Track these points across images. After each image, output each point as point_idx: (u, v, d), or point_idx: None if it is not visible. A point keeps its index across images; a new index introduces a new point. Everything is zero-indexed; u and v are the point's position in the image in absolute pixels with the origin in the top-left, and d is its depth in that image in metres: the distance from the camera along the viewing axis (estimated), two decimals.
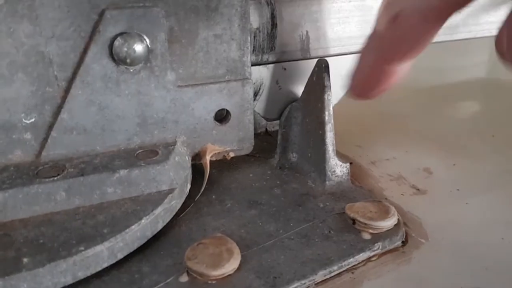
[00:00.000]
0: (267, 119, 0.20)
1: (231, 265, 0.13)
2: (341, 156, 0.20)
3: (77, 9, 0.14)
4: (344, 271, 0.14)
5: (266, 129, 0.20)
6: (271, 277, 0.13)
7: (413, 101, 0.27)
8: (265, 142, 0.20)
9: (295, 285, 0.13)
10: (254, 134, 0.18)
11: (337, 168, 0.18)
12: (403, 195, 0.18)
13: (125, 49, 0.15)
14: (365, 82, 0.14)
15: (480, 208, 0.17)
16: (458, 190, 0.18)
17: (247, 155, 0.18)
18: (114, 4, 0.14)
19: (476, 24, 0.25)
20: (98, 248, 0.13)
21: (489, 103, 0.28)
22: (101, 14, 0.14)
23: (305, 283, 0.13)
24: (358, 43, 0.18)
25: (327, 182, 0.17)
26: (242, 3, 0.16)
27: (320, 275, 0.13)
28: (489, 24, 0.25)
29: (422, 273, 0.14)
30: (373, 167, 0.20)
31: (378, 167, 0.20)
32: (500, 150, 0.22)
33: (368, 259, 0.14)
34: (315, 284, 0.13)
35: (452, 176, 0.19)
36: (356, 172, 0.19)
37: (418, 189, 0.18)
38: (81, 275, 0.13)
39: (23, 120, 0.15)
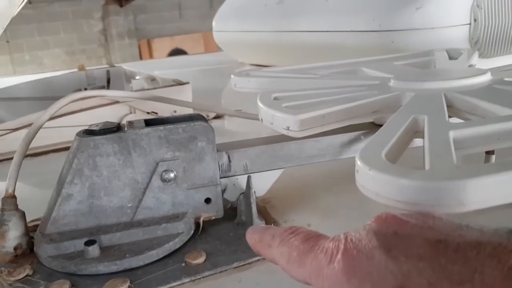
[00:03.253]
0: (231, 201, 0.42)
1: (202, 259, 0.35)
2: (269, 217, 0.42)
3: (148, 162, 0.38)
4: (248, 263, 0.35)
5: (231, 205, 0.42)
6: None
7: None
8: (231, 212, 0.42)
9: (233, 265, 0.35)
10: (225, 209, 0.41)
11: (258, 223, 0.39)
12: None
13: (166, 176, 0.38)
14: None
15: None
16: None
17: (221, 217, 0.40)
18: (162, 159, 0.38)
19: None
20: (153, 252, 0.35)
21: None
22: (157, 163, 0.38)
23: (234, 266, 0.35)
24: None
25: None
26: (213, 155, 0.39)
27: (236, 264, 0.35)
28: None
29: None
30: (283, 223, 0.41)
31: (287, 222, 0.41)
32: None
33: (258, 260, 0.36)
34: (234, 268, 0.35)
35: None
36: (273, 224, 0.41)
37: None
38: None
39: (127, 204, 0.38)
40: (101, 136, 0.36)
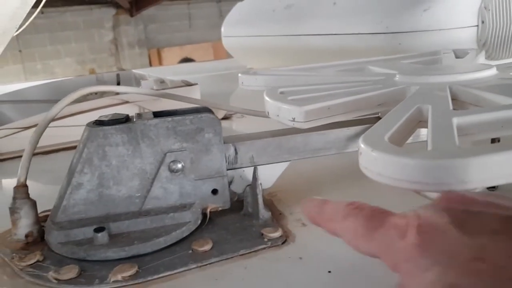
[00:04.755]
0: (238, 193, 0.42)
1: (208, 246, 0.36)
2: (275, 209, 0.42)
3: (156, 152, 0.38)
4: (254, 251, 0.36)
5: (238, 198, 0.43)
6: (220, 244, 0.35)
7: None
8: (238, 203, 0.43)
9: (239, 253, 0.35)
10: (232, 200, 0.41)
11: (265, 214, 0.40)
12: (295, 226, 0.40)
13: (174, 167, 0.38)
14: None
15: None
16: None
17: (228, 208, 0.41)
18: (170, 150, 0.38)
19: None
20: (160, 239, 0.36)
21: None
22: (165, 154, 0.38)
23: (240, 253, 0.35)
24: None
25: (260, 221, 0.40)
26: (220, 146, 0.39)
27: (242, 251, 0.35)
28: None
29: (286, 255, 0.35)
30: (290, 215, 0.42)
31: (293, 214, 0.42)
32: None
33: (263, 248, 0.36)
34: (240, 255, 0.35)
35: None
36: (279, 216, 0.41)
37: (304, 224, 0.40)
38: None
39: (136, 194, 0.38)
40: (110, 126, 0.37)
